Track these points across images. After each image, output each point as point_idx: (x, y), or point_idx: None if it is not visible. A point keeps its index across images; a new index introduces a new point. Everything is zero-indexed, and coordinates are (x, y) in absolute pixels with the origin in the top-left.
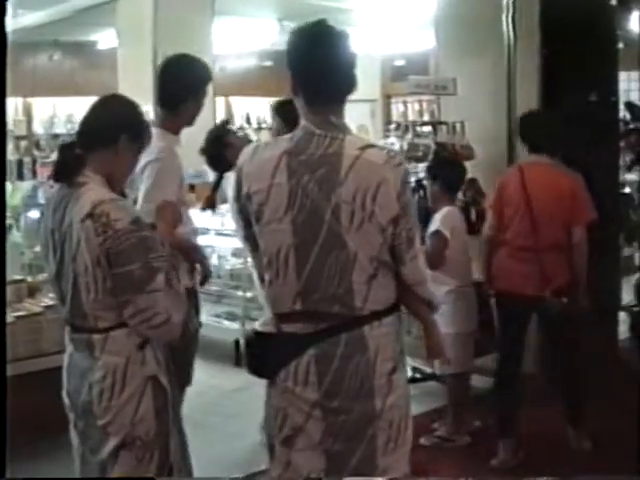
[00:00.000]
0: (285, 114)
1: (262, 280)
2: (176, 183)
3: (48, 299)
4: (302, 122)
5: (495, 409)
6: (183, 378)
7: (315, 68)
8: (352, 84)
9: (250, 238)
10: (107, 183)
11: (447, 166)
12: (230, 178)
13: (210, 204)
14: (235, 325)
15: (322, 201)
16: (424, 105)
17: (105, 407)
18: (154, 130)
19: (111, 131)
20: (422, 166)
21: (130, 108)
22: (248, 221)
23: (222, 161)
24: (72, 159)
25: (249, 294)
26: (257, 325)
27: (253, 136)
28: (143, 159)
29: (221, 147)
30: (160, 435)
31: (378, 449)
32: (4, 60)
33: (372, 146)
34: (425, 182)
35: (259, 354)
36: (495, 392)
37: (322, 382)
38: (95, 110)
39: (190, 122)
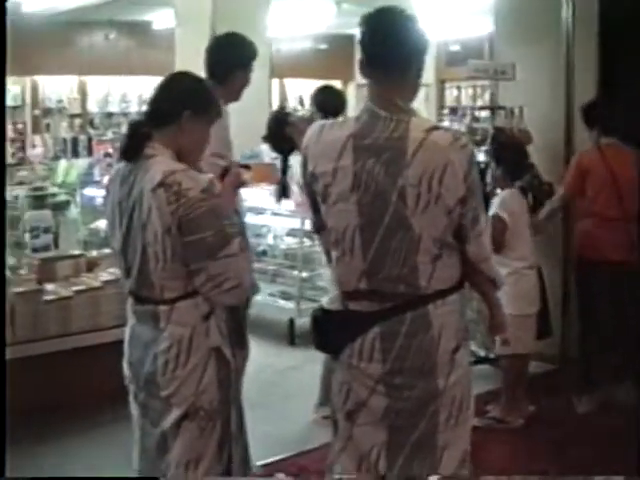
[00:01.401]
0: (320, 102)
1: (329, 258)
2: (216, 137)
3: (107, 274)
4: (367, 104)
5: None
6: (241, 342)
7: (384, 48)
8: (419, 67)
9: (317, 216)
10: (176, 157)
11: (511, 150)
12: (298, 159)
13: (282, 191)
14: (290, 304)
15: (388, 184)
16: (478, 90)
17: (169, 378)
18: None
19: (174, 108)
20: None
21: (194, 84)
22: (315, 199)
23: (285, 142)
24: (139, 137)
25: (304, 274)
26: (324, 302)
27: None
28: None
29: (283, 128)
30: (222, 405)
31: (439, 425)
32: (4, 57)
33: (438, 128)
34: (483, 165)
35: (326, 330)
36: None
37: (386, 359)
38: (160, 87)
39: (237, 95)
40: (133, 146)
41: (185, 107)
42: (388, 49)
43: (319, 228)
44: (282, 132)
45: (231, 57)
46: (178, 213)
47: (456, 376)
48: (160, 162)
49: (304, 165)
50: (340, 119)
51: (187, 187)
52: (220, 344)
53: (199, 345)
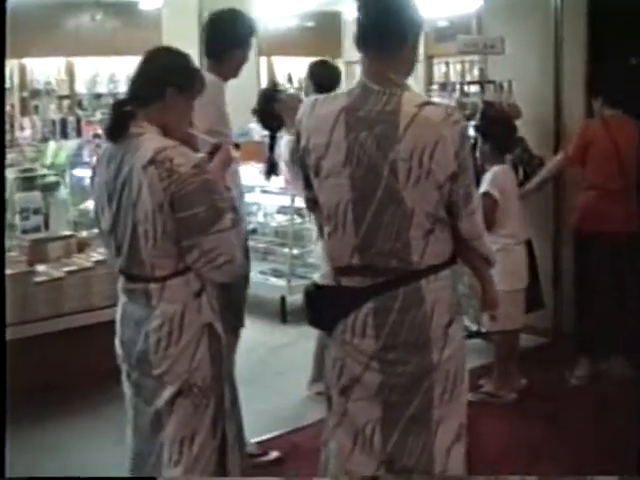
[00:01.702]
0: (316, 76)
1: (322, 234)
2: (213, 114)
3: (98, 254)
4: (361, 78)
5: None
6: (236, 321)
7: (380, 24)
8: (415, 43)
9: (309, 192)
10: (163, 133)
11: (498, 125)
12: (285, 137)
13: (271, 168)
14: (281, 282)
15: (379, 158)
16: (466, 66)
17: (161, 356)
18: None
19: (157, 85)
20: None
21: (175, 60)
22: (307, 175)
23: (273, 118)
24: (123, 116)
25: (295, 251)
26: (316, 278)
27: None
28: None
29: (272, 105)
30: (215, 382)
31: (434, 400)
32: (3, 49)
33: (430, 103)
34: (473, 141)
35: (318, 306)
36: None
37: (379, 335)
38: (141, 65)
39: (235, 73)
40: (118, 126)
41: (169, 83)
42: (384, 25)
43: (312, 204)
44: (271, 109)
45: (228, 34)
46: (170, 189)
47: (450, 350)
48: (150, 139)
49: (297, 140)
50: (333, 93)
51: (179, 163)
52: (212, 320)
53: (191, 322)
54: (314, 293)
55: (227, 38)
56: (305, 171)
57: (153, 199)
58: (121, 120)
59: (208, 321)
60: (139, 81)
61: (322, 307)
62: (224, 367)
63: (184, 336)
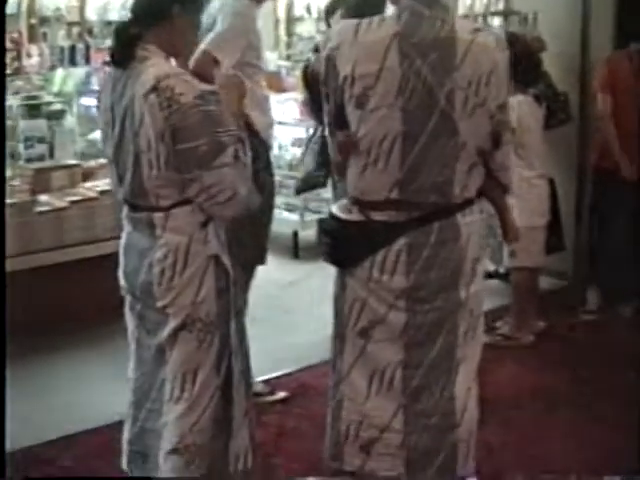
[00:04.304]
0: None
1: (341, 167)
2: (242, 44)
3: (103, 184)
4: (406, 2)
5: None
6: (254, 257)
7: None
8: None
9: (339, 124)
10: (170, 59)
11: (523, 57)
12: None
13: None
14: (294, 216)
15: (436, 86)
16: None
17: (165, 288)
18: None
19: (162, 3)
20: None
21: None
22: (339, 106)
23: None
24: (129, 38)
25: None
26: (336, 212)
27: (313, 27)
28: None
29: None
30: (221, 317)
31: (458, 338)
32: (3, 47)
33: (480, 29)
34: None
35: (341, 242)
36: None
37: (411, 271)
38: None
39: None
40: (123, 49)
41: (173, 1)
42: None
43: (334, 134)
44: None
45: None
46: (170, 120)
47: (475, 287)
48: (154, 64)
49: (331, 68)
50: (376, 18)
51: (180, 92)
52: (219, 252)
53: (197, 253)
54: (336, 227)
55: None
56: (339, 102)
57: (154, 128)
58: (127, 44)
59: (215, 252)
60: (142, 1)
61: (346, 242)
62: (232, 302)
63: (189, 267)
